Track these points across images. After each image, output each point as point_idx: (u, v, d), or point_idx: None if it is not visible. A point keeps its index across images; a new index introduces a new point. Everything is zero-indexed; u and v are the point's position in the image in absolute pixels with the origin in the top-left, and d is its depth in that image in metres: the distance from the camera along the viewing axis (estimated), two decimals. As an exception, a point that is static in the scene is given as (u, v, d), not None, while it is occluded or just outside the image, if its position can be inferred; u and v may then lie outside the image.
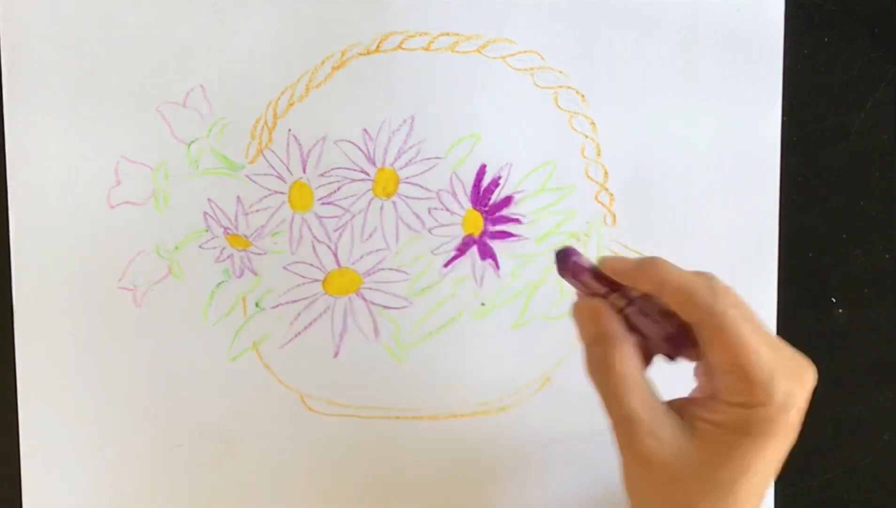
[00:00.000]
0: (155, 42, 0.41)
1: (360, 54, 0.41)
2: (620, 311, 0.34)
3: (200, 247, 0.42)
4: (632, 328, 0.34)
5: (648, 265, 0.33)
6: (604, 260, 0.35)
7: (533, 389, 0.42)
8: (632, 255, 0.42)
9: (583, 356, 0.34)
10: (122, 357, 0.42)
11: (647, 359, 0.34)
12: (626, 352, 0.33)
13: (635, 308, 0.34)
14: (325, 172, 0.42)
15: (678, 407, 0.33)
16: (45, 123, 0.41)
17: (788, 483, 0.43)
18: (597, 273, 0.34)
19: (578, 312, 0.34)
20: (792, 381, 0.31)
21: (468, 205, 0.42)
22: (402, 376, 0.43)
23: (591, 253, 0.42)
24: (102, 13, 0.41)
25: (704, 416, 0.32)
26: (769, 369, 0.31)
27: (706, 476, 0.32)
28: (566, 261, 0.35)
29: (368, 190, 0.42)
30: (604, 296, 0.34)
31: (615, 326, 0.34)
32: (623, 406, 0.32)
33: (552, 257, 0.36)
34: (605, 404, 0.33)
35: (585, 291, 0.35)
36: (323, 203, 0.42)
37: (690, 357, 0.34)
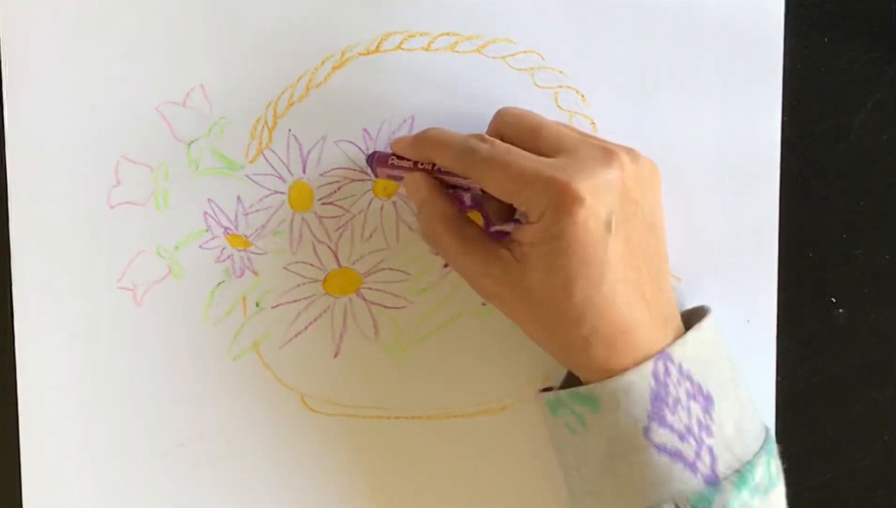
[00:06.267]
0: (155, 42, 0.41)
1: (360, 54, 0.41)
2: (433, 174, 0.38)
3: (200, 247, 0.42)
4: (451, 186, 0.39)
5: (421, 136, 0.38)
6: (392, 142, 0.40)
7: (533, 389, 0.42)
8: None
9: (418, 226, 0.38)
10: (122, 357, 0.42)
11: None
12: (444, 207, 0.38)
13: (439, 169, 0.38)
14: (325, 172, 0.42)
15: (509, 241, 0.36)
16: (45, 122, 0.41)
17: (788, 483, 0.42)
18: (398, 156, 0.39)
19: (405, 187, 0.39)
20: (572, 178, 0.33)
21: (468, 205, 0.42)
22: (402, 376, 0.43)
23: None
24: (102, 13, 0.41)
25: (519, 240, 0.35)
26: (531, 183, 0.34)
27: (542, 290, 0.35)
28: (373, 158, 0.40)
29: (368, 190, 0.42)
30: (415, 167, 0.39)
31: (432, 188, 0.38)
32: (452, 254, 0.37)
33: (367, 167, 0.41)
34: (444, 257, 0.38)
35: (401, 175, 0.39)
36: (323, 203, 0.42)
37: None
